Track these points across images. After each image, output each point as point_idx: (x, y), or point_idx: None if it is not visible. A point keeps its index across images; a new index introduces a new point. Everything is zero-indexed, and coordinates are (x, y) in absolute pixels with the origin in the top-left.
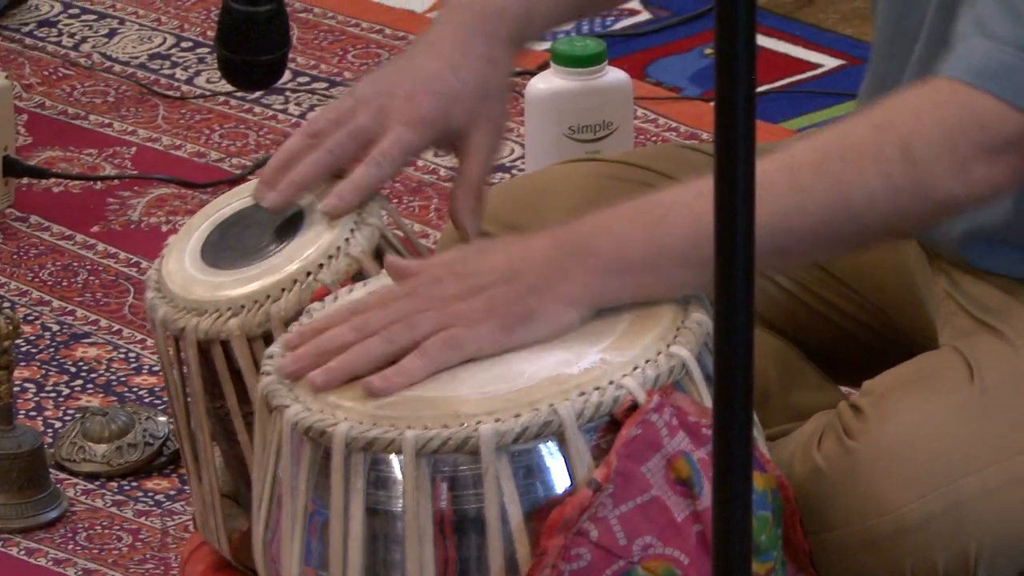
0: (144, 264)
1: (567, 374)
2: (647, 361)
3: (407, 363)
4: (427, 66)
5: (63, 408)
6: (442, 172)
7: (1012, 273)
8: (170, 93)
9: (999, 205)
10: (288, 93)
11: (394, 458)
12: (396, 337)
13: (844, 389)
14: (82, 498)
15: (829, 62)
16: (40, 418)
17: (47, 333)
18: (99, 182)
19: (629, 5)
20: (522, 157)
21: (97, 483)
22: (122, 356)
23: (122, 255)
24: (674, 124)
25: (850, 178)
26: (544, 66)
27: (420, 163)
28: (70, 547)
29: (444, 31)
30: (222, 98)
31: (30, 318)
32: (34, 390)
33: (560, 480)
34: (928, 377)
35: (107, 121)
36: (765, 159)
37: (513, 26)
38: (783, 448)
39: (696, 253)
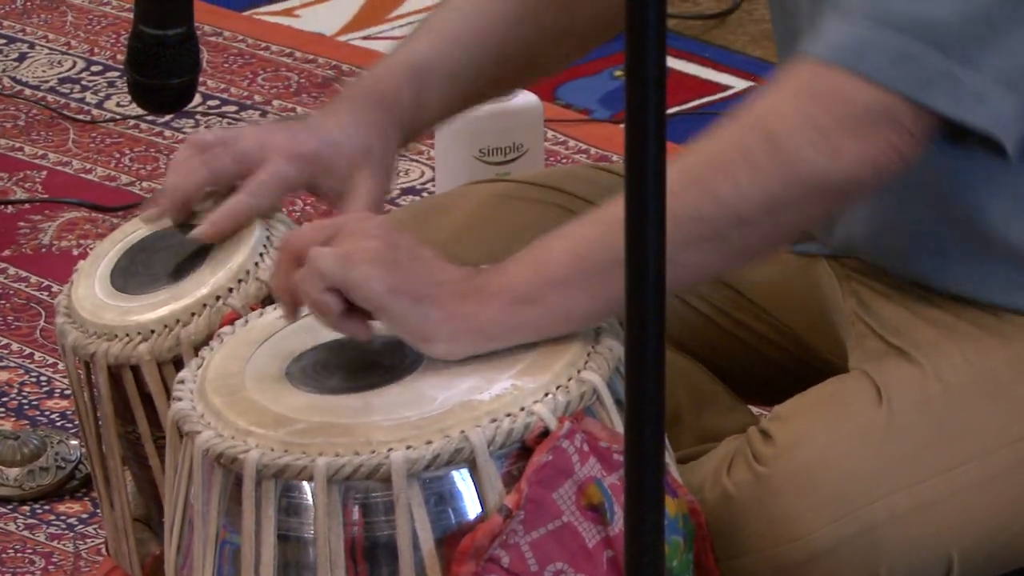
0: (55, 288)
1: (478, 400)
2: (558, 387)
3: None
4: (316, 120)
5: None
6: None
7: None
8: (80, 117)
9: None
10: (198, 116)
11: (306, 485)
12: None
13: (756, 410)
14: None
15: (739, 83)
16: None
17: None
18: (9, 206)
19: None
20: (432, 180)
21: (9, 507)
22: (34, 380)
23: (33, 279)
24: (584, 146)
25: (715, 174)
26: None
27: None
28: None
29: (339, 105)
30: (132, 122)
31: None
32: None
33: (471, 507)
34: (837, 402)
35: (17, 145)
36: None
37: (404, 110)
38: (693, 474)
39: (578, 276)
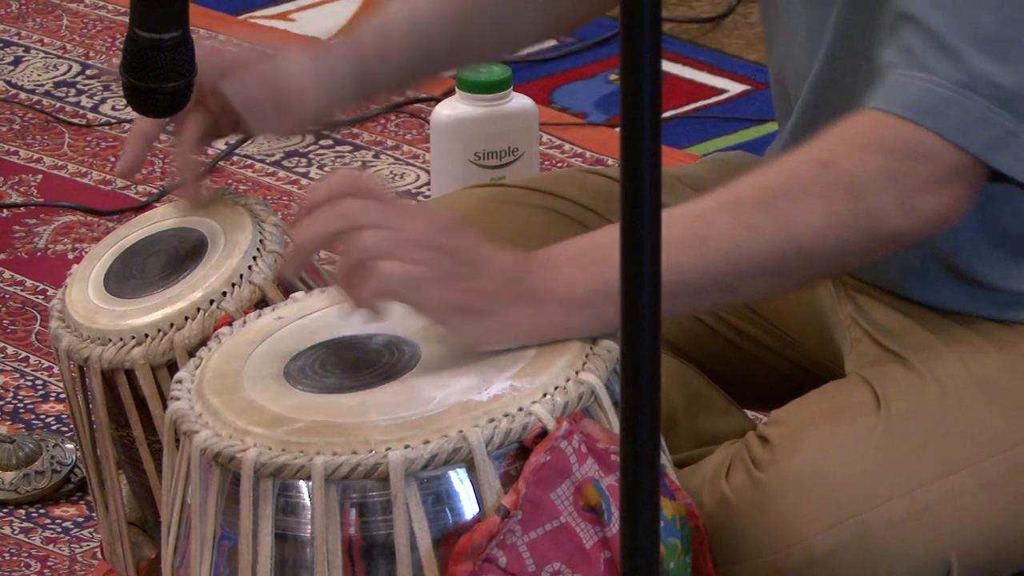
0: (51, 292)
1: (476, 400)
2: (556, 388)
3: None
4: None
5: None
6: None
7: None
8: (76, 121)
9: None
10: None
11: (303, 484)
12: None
13: (752, 414)
14: None
15: (734, 87)
16: None
17: None
18: (5, 210)
19: None
20: (428, 183)
21: (5, 511)
22: (29, 383)
23: (29, 283)
24: (579, 150)
25: (796, 216)
26: (449, 92)
27: None
28: None
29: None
30: (128, 126)
31: None
32: None
33: (469, 507)
34: (835, 407)
35: (13, 149)
36: (710, 198)
37: (361, 55)
38: (691, 478)
39: None
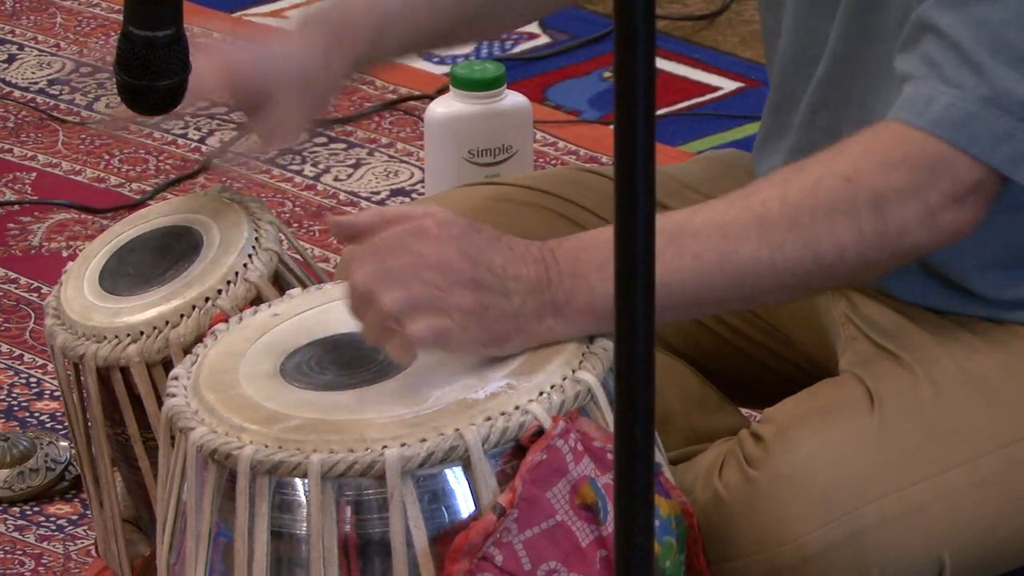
0: (45, 289)
1: (473, 399)
2: (553, 386)
3: (394, 350)
4: (269, 38)
5: None
6: (342, 196)
7: (914, 299)
8: (70, 118)
9: None
10: (188, 118)
11: (299, 482)
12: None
13: (746, 412)
14: None
15: (728, 85)
16: None
17: None
18: None
19: (528, 29)
20: (422, 181)
21: None
22: (23, 381)
23: (23, 280)
24: (573, 147)
25: (822, 235)
26: (443, 90)
27: (320, 188)
28: None
29: (296, 25)
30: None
31: None
32: None
33: (465, 505)
34: (829, 405)
35: (7, 147)
36: (731, 207)
37: (362, 47)
38: (683, 475)
39: (660, 307)
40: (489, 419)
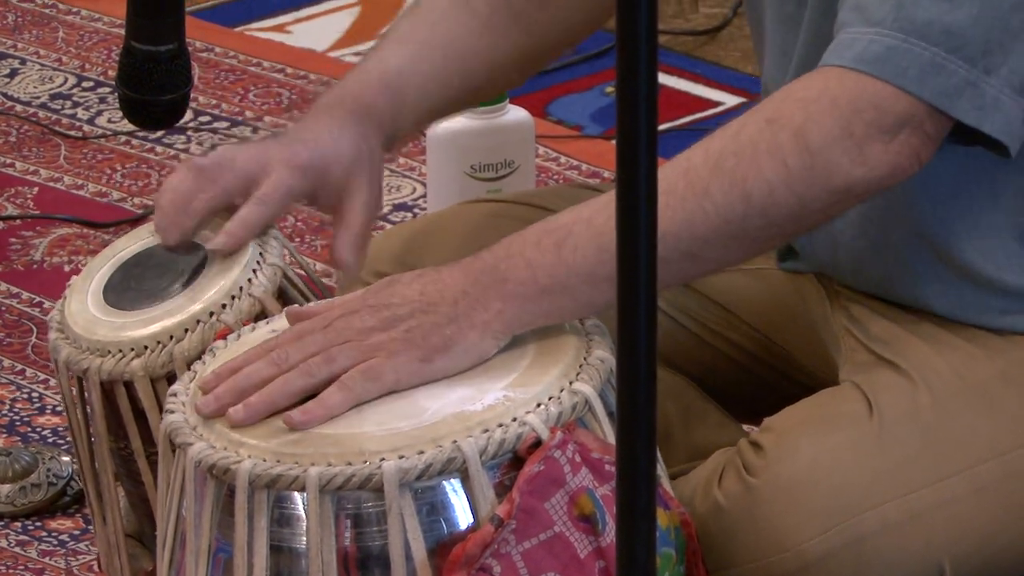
0: (47, 304)
1: (471, 411)
2: (550, 398)
3: (327, 396)
4: (302, 132)
5: None
6: None
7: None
8: (72, 133)
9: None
10: (190, 132)
11: (298, 495)
12: (315, 370)
13: (746, 427)
14: None
15: (730, 100)
16: None
17: None
18: (1, 222)
19: None
20: (424, 196)
21: (1, 523)
22: (25, 396)
23: (25, 295)
24: (576, 162)
25: (746, 173)
26: None
27: None
28: None
29: (317, 118)
30: (124, 137)
31: None
32: None
33: (463, 517)
34: (828, 413)
35: (9, 161)
36: (665, 166)
37: (383, 122)
38: (683, 486)
39: (602, 269)
40: (487, 431)
